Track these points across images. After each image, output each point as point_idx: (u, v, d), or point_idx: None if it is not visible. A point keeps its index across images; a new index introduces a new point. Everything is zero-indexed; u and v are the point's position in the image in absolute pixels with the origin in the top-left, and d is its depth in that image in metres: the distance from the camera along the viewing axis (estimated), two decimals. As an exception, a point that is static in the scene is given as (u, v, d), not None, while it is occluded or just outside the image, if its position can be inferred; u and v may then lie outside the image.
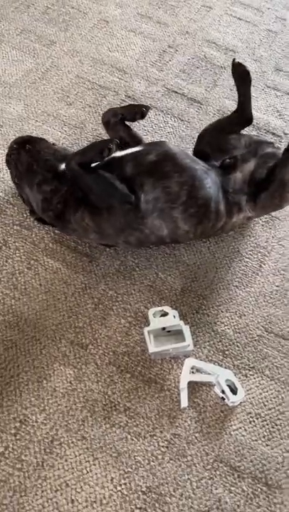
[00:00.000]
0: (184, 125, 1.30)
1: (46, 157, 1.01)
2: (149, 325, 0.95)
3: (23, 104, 1.27)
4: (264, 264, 1.09)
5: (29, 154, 1.02)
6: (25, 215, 1.08)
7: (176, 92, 1.37)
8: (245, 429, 0.88)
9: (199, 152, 1.09)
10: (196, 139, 1.13)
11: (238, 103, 1.11)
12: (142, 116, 1.06)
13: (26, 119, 1.24)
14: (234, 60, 1.07)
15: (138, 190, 0.94)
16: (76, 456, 0.83)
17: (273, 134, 1.31)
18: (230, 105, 1.36)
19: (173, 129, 1.29)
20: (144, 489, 0.81)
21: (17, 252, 1.03)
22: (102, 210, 0.94)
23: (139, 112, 1.05)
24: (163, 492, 0.81)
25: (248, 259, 1.10)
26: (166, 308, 0.97)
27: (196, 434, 0.87)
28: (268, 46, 1.54)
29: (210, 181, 0.98)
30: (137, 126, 1.25)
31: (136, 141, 1.08)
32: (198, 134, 1.28)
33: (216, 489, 0.82)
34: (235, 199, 1.01)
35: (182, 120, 1.31)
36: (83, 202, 0.95)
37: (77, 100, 1.31)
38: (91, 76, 1.37)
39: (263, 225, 1.15)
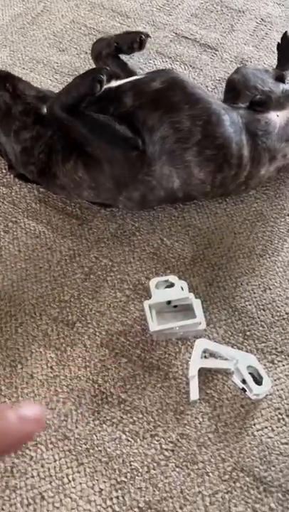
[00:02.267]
0: (196, 72, 1.11)
1: (26, 99, 0.84)
2: (150, 298, 0.77)
3: (9, 51, 1.10)
4: (293, 229, 0.90)
5: (8, 96, 0.84)
6: (4, 171, 0.91)
7: (186, 38, 1.18)
8: (273, 429, 0.69)
9: (227, 88, 0.92)
10: (209, 88, 0.97)
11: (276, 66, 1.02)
12: (141, 45, 0.88)
13: (11, 66, 1.07)
14: (286, 32, 1.01)
15: (141, 128, 0.76)
16: (55, 461, 0.65)
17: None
18: (250, 51, 1.16)
19: (182, 76, 1.10)
20: (141, 505, 0.63)
21: (-7, 212, 0.86)
22: (101, 160, 0.77)
23: (136, 40, 0.87)
24: (166, 509, 0.62)
25: (273, 224, 0.90)
26: (173, 278, 0.78)
27: (210, 435, 0.68)
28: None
29: (229, 119, 0.79)
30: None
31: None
32: (211, 82, 1.10)
33: (236, 506, 0.63)
34: (268, 144, 0.82)
35: (193, 67, 1.12)
36: (75, 149, 0.78)
37: (72, 46, 1.13)
38: (88, 21, 1.19)
39: (290, 183, 0.95)
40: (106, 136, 0.74)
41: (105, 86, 0.77)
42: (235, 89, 0.90)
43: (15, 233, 0.85)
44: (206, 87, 1.08)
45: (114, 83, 0.79)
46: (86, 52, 1.12)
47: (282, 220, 0.91)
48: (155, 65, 1.12)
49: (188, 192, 0.82)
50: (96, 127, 0.75)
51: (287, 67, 1.01)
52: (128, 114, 0.76)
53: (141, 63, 1.10)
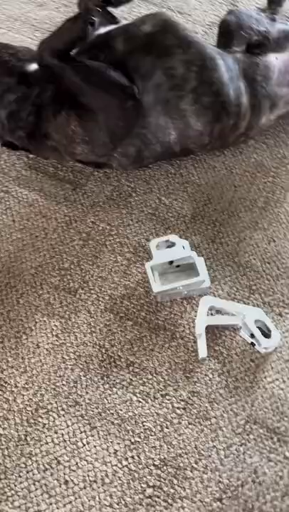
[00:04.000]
0: (184, 18, 1.04)
1: (5, 58, 0.79)
2: (152, 259, 0.75)
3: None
4: (295, 178, 0.86)
5: None
6: (-10, 139, 0.88)
7: (171, -19, 1.10)
8: (284, 381, 0.69)
9: (220, 31, 0.86)
10: (199, 35, 0.90)
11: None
12: None
13: None
14: None
15: (135, 76, 0.72)
16: (68, 427, 0.65)
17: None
18: (242, -8, 1.09)
19: (170, 24, 1.04)
20: (157, 462, 0.63)
21: (-17, 183, 0.83)
22: (96, 109, 0.73)
23: None
24: (182, 465, 0.63)
25: (274, 173, 0.87)
26: (173, 238, 0.76)
27: (221, 391, 0.68)
28: None
29: (224, 65, 0.75)
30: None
31: None
32: (201, 28, 1.04)
33: (251, 457, 0.64)
34: (268, 91, 0.78)
35: (181, 13, 1.05)
36: (67, 100, 0.73)
37: (50, 0, 1.06)
38: None
39: (291, 128, 0.91)
40: (101, 84, 0.70)
41: (95, 33, 0.72)
42: (230, 32, 0.85)
43: (7, 203, 0.82)
44: (196, 33, 1.01)
45: (103, 29, 0.75)
46: (66, 5, 1.06)
47: (284, 169, 0.87)
48: (140, 13, 1.05)
49: (186, 145, 0.79)
50: (90, 75, 0.71)
51: (278, 8, 0.95)
52: (120, 61, 0.72)
53: (124, 12, 1.04)
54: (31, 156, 0.86)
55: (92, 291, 0.75)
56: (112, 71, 0.71)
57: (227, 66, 0.76)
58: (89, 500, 0.61)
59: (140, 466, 0.63)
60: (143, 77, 0.72)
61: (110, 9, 0.89)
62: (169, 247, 0.76)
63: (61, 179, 0.85)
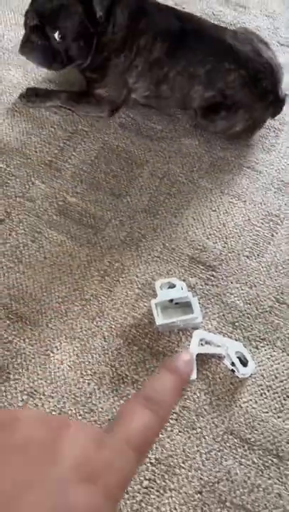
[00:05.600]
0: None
1: None
2: (156, 297, 0.93)
3: (23, 71, 1.22)
4: (276, 233, 1.05)
5: None
6: (27, 187, 1.05)
7: None
8: (256, 402, 0.86)
9: None
10: None
11: None
12: None
13: (27, 86, 1.20)
14: None
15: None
16: (84, 429, 0.82)
17: None
18: None
19: None
20: (153, 461, 0.80)
21: (20, 224, 1.01)
22: None
23: None
24: (172, 463, 0.80)
25: (259, 228, 1.06)
26: (174, 280, 0.94)
27: (206, 407, 0.85)
28: (281, 1, 1.44)
29: None
30: None
31: None
32: None
33: (226, 461, 0.81)
34: None
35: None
36: None
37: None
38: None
39: (275, 192, 1.10)
40: None
41: None
42: None
43: (40, 242, 0.99)
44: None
45: None
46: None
47: (267, 225, 1.06)
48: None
49: None
50: None
51: None
52: None
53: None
54: (61, 202, 1.04)
55: (107, 320, 0.92)
56: None
57: None
58: (98, 488, 0.78)
59: (139, 463, 0.80)
60: None
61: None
62: (170, 287, 0.93)
63: (85, 224, 1.03)
